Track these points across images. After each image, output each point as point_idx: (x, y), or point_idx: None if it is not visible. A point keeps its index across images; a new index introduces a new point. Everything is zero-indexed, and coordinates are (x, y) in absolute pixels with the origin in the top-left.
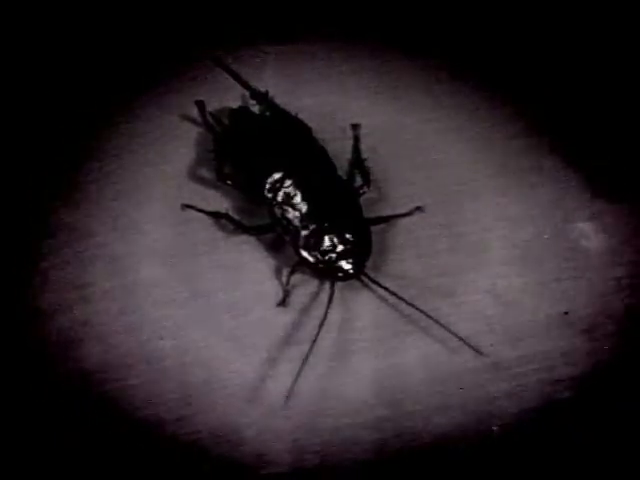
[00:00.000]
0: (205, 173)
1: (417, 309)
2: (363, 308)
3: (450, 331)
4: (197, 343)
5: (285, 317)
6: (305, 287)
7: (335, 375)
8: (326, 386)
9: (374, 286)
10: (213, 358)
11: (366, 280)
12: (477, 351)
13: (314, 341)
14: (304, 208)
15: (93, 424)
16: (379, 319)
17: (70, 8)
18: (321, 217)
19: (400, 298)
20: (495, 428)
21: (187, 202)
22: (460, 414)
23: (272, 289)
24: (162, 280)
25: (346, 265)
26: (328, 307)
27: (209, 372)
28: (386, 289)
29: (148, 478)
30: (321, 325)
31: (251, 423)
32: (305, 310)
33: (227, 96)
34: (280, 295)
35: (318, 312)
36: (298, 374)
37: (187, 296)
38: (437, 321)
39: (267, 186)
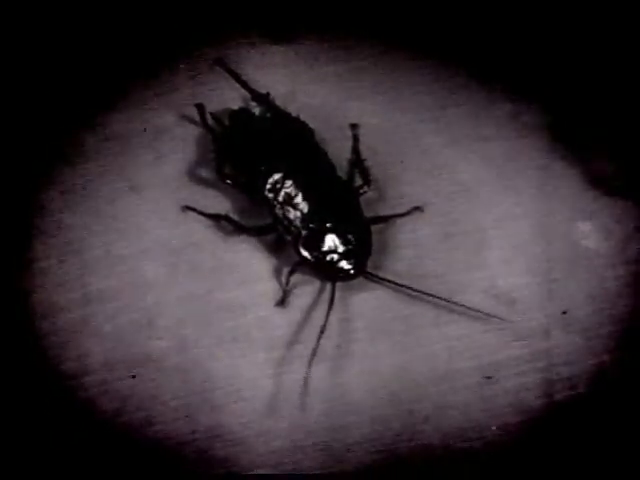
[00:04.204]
0: (205, 173)
1: (435, 297)
2: (362, 308)
3: (479, 310)
4: (197, 343)
5: (284, 317)
6: (304, 287)
7: (334, 375)
8: (325, 386)
9: (376, 286)
10: (213, 358)
11: (372, 278)
12: (502, 319)
13: (318, 341)
14: (305, 208)
15: (92, 423)
16: (378, 319)
17: (71, 6)
18: (322, 217)
19: (415, 290)
20: (494, 428)
21: (187, 202)
22: (460, 414)
23: (272, 289)
24: (162, 280)
25: (347, 265)
26: (330, 307)
27: (208, 372)
28: (402, 285)
29: (146, 478)
30: (324, 325)
31: (250, 423)
32: (304, 310)
33: (228, 96)
34: (279, 295)
35: (317, 312)
36: (307, 374)
37: (187, 296)
38: (463, 305)
39: (268, 186)
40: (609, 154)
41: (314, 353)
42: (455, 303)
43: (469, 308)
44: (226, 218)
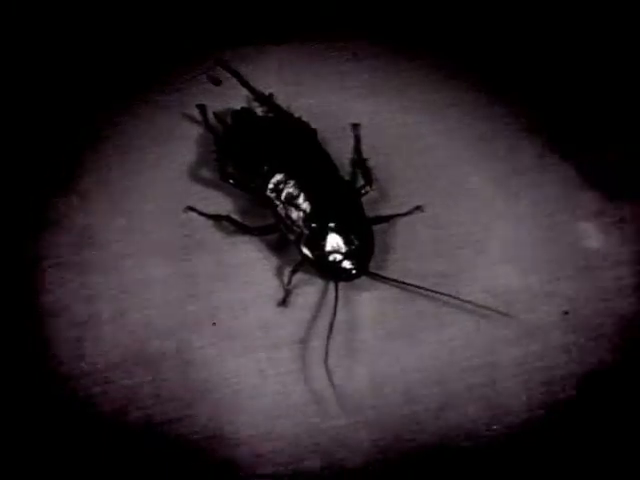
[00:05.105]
0: (207, 173)
1: (437, 292)
2: (364, 308)
3: (481, 306)
4: (197, 343)
5: (286, 317)
6: (306, 287)
7: (335, 375)
8: (326, 386)
9: (378, 285)
10: (213, 358)
11: (374, 277)
12: (504, 315)
13: (328, 340)
14: (307, 208)
15: (92, 424)
16: (379, 319)
17: (72, 7)
18: (324, 217)
19: (417, 287)
20: (495, 427)
21: (189, 202)
22: (460, 414)
23: (273, 289)
24: (162, 280)
25: (349, 265)
26: (335, 307)
27: (209, 372)
28: (404, 283)
29: (147, 478)
30: (331, 325)
31: (250, 423)
32: (306, 310)
33: (230, 96)
34: (281, 295)
35: (319, 312)
36: (327, 370)
37: (187, 296)
38: (467, 301)
39: (270, 186)
40: (609, 154)
41: (327, 353)
42: (458, 299)
43: (471, 303)
44: (228, 219)
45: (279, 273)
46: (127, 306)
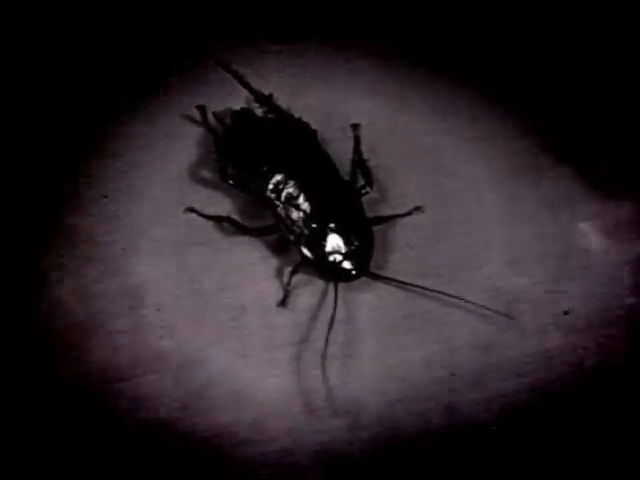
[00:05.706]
0: (206, 173)
1: (437, 292)
2: (364, 308)
3: (482, 306)
4: (197, 343)
5: (285, 317)
6: (306, 287)
7: (335, 375)
8: (326, 386)
9: (378, 286)
10: (213, 358)
11: (374, 278)
12: (507, 315)
13: (326, 342)
14: (307, 208)
15: (92, 424)
16: (379, 319)
17: (73, 8)
18: (324, 217)
19: (417, 287)
20: (495, 428)
21: (189, 202)
22: (460, 414)
23: (272, 289)
24: (162, 280)
25: (349, 265)
26: (335, 307)
27: (209, 372)
28: (404, 283)
29: (147, 478)
30: (330, 326)
31: (250, 423)
32: (306, 310)
33: (230, 97)
34: (280, 295)
35: (319, 313)
36: (323, 370)
37: (187, 296)
38: (468, 301)
39: (270, 187)
40: (610, 155)
41: (324, 355)
42: (458, 299)
43: (472, 303)
44: (228, 219)
45: (279, 273)
46: (127, 306)
